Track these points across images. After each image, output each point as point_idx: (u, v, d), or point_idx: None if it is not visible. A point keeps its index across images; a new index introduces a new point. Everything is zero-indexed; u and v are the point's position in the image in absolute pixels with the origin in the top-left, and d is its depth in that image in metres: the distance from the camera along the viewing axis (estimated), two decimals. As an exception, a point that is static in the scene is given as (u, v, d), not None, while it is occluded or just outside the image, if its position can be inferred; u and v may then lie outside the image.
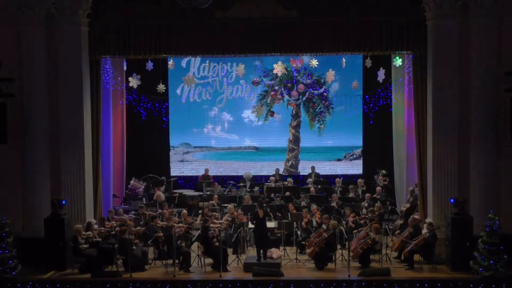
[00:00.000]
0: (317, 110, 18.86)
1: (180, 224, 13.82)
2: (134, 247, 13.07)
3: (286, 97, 18.80)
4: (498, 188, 13.76)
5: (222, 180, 18.49)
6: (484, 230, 12.33)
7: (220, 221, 14.11)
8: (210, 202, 15.92)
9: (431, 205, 14.04)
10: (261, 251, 13.13)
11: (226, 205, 15.75)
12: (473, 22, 13.57)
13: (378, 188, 16.53)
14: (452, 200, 13.18)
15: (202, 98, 18.95)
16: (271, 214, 15.00)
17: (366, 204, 15.54)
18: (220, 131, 19.16)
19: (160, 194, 16.38)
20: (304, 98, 18.79)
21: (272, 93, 18.77)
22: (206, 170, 17.94)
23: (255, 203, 15.12)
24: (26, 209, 14.12)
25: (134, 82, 16.92)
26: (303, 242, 13.93)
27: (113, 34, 14.51)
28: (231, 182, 17.83)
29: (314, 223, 14.26)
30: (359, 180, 17.29)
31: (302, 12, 14.41)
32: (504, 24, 13.59)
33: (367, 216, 14.45)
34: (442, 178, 13.80)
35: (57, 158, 14.17)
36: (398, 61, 15.85)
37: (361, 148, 18.84)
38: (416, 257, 13.22)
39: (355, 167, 18.89)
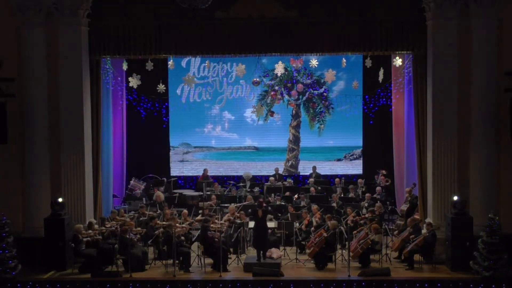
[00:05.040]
0: (317, 110, 18.86)
1: (183, 225, 13.81)
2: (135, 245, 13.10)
3: (286, 97, 18.79)
4: (498, 188, 13.77)
5: (222, 180, 18.48)
6: (484, 230, 12.32)
7: (221, 222, 14.09)
8: (209, 202, 15.90)
9: (431, 205, 14.04)
10: (261, 251, 13.11)
11: (226, 205, 15.75)
12: (473, 22, 13.56)
13: (378, 188, 16.53)
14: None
15: (202, 98, 18.94)
16: (272, 212, 14.96)
17: (366, 204, 15.54)
18: (220, 131, 19.15)
19: (159, 194, 16.36)
20: (304, 98, 18.78)
21: (272, 93, 18.77)
22: (205, 171, 17.92)
23: (256, 203, 15.14)
24: (26, 209, 14.12)
25: (134, 82, 16.90)
26: (303, 242, 13.92)
27: (113, 34, 14.51)
28: (231, 182, 17.81)
29: (314, 223, 14.25)
30: (359, 180, 17.29)
31: (302, 12, 14.40)
32: (504, 24, 13.59)
33: (367, 216, 14.44)
34: (442, 178, 13.80)
35: (57, 158, 14.16)
36: (398, 61, 15.84)
37: (361, 148, 18.83)
38: (416, 257, 13.21)
39: (355, 167, 18.89)
